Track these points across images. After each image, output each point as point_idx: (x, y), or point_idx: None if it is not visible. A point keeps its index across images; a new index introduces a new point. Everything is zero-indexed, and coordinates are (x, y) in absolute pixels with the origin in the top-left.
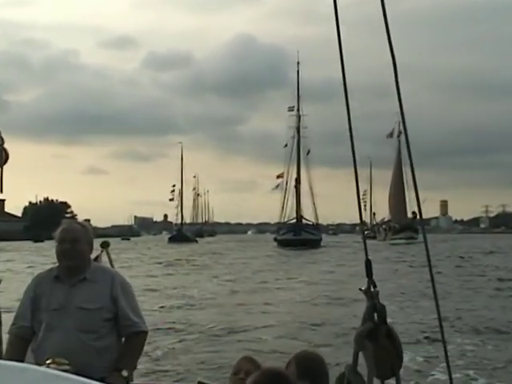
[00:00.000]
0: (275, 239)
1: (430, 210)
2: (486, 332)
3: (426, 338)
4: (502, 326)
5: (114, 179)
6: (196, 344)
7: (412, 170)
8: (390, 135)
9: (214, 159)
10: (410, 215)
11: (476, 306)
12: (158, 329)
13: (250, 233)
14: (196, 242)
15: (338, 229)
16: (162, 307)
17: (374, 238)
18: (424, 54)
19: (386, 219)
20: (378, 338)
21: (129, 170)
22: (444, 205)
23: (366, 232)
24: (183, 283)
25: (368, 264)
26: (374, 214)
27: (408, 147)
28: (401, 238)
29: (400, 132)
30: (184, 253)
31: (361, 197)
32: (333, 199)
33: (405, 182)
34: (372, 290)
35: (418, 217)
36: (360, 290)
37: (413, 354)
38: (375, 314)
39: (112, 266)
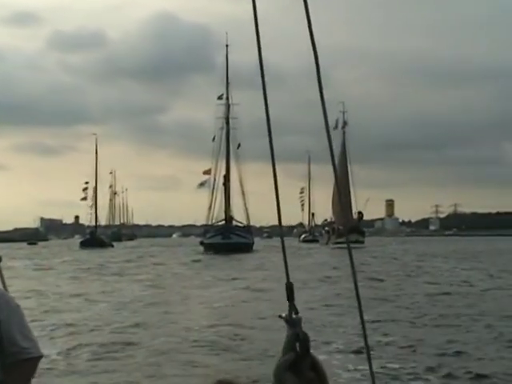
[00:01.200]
0: (201, 243)
1: (375, 211)
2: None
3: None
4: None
5: (16, 176)
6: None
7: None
8: (335, 126)
9: (133, 153)
10: (355, 216)
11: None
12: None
13: (174, 236)
14: (112, 246)
15: (272, 231)
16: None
17: (316, 241)
18: (376, 38)
19: (328, 220)
20: (302, 371)
21: (34, 165)
22: (390, 205)
23: (304, 235)
24: (83, 297)
25: (289, 287)
26: (313, 214)
27: (329, 141)
28: (345, 242)
29: (345, 123)
30: (95, 260)
31: (298, 195)
32: (266, 198)
33: (350, 178)
34: (294, 316)
35: (363, 217)
36: (280, 317)
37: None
38: (297, 344)
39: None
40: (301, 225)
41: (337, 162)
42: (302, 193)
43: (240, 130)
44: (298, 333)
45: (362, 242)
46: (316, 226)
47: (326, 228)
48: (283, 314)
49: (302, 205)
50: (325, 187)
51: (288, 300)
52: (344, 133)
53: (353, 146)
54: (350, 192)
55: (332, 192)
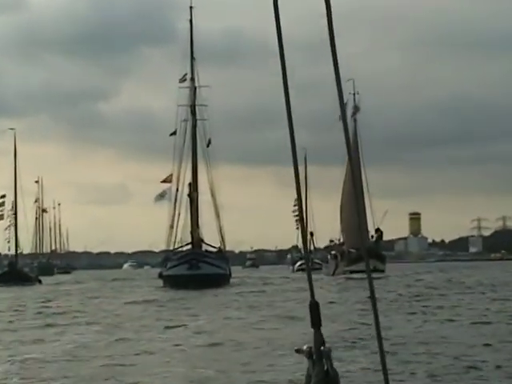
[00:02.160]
0: (160, 275)
1: (395, 228)
2: None
3: None
4: None
5: None
6: None
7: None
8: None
9: (66, 154)
10: (372, 234)
11: None
12: None
13: (126, 266)
14: (39, 282)
15: (258, 258)
16: None
17: (317, 269)
18: None
19: (335, 241)
20: None
21: None
22: (415, 219)
23: (300, 262)
24: None
25: (314, 308)
26: (312, 234)
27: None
28: (360, 271)
29: (356, 108)
30: (13, 301)
31: (291, 208)
32: (249, 213)
33: (365, 184)
34: (322, 348)
35: (382, 236)
36: (299, 351)
37: None
38: None
39: None
40: (295, 248)
41: (347, 162)
42: (295, 205)
43: (210, 121)
44: (328, 370)
45: (382, 271)
46: (316, 249)
47: (333, 252)
48: (304, 347)
49: (297, 223)
50: (325, 196)
51: (312, 326)
52: (355, 122)
53: (366, 140)
54: (364, 203)
55: (340, 203)
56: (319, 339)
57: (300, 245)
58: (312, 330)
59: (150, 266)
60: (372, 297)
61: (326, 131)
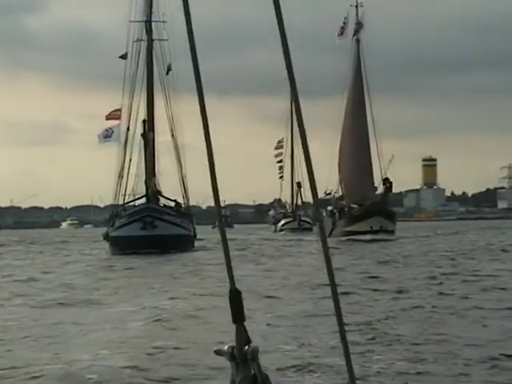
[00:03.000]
0: (106, 237)
1: (405, 177)
2: None
3: None
4: None
5: None
6: None
7: None
8: (341, 33)
9: None
10: (378, 187)
11: None
12: None
13: (65, 225)
14: None
15: (232, 216)
16: None
17: (306, 230)
18: None
19: (332, 194)
20: None
21: None
22: (430, 167)
23: (284, 221)
24: None
25: (235, 298)
26: (300, 184)
27: None
28: (363, 232)
29: (359, 25)
30: None
31: (273, 153)
32: (220, 159)
33: (370, 122)
34: (247, 347)
35: (392, 188)
36: (218, 353)
37: None
38: None
39: None
40: (279, 202)
41: (347, 93)
42: (279, 148)
43: (171, 42)
44: (256, 374)
45: (392, 232)
46: (304, 204)
47: (330, 207)
48: (225, 348)
49: (281, 170)
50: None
51: (234, 321)
52: (358, 43)
53: (371, 65)
54: (369, 146)
55: (339, 146)
56: (243, 337)
57: (285, 198)
58: (234, 325)
59: (91, 225)
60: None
61: (316, 51)
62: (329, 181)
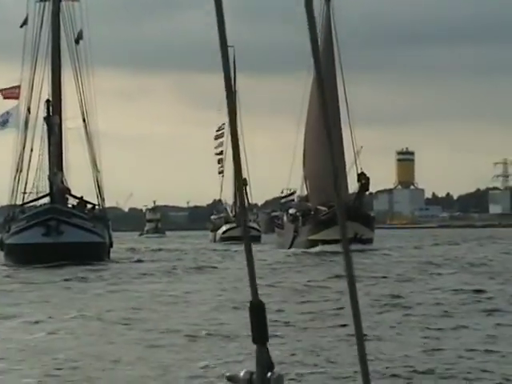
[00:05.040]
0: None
1: (375, 175)
2: None
3: None
4: None
5: None
6: None
7: None
8: None
9: None
10: (352, 186)
11: None
12: None
13: None
14: None
15: (163, 219)
16: None
17: (255, 238)
18: None
19: (293, 194)
20: None
21: None
22: (406, 162)
23: (226, 227)
24: None
25: (257, 312)
26: (246, 182)
27: None
28: (332, 241)
29: None
30: None
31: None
32: (144, 150)
33: (342, 104)
34: (269, 374)
35: (369, 186)
36: (230, 379)
37: None
38: None
39: None
40: (218, 203)
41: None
42: (219, 137)
43: (83, 4)
44: None
45: (370, 241)
46: (250, 206)
47: (292, 210)
48: (241, 373)
49: (221, 164)
50: (275, 124)
51: (254, 341)
52: (329, 2)
53: (342, 32)
54: (341, 135)
55: (304, 136)
56: (265, 360)
57: (225, 199)
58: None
59: None
60: (350, 281)
61: (275, 20)
62: (290, 178)
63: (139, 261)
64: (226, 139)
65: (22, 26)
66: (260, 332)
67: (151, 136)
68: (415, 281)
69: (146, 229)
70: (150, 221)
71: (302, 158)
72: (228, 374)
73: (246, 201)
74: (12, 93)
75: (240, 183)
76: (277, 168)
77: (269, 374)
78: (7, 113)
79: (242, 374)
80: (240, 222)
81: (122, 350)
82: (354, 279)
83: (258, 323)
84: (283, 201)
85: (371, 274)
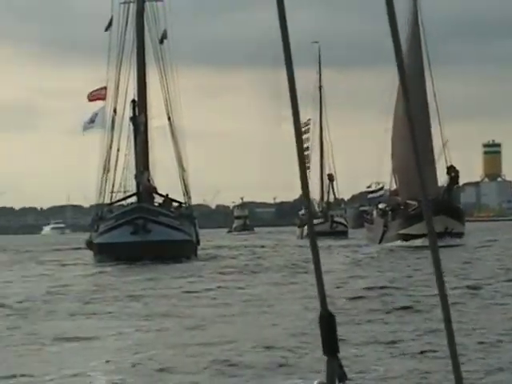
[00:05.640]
0: (89, 244)
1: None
2: None
3: None
4: None
5: None
6: None
7: None
8: None
9: None
10: (441, 179)
11: None
12: None
13: (48, 229)
14: None
15: (250, 215)
16: None
17: (340, 233)
18: None
19: (382, 189)
20: None
21: None
22: (493, 155)
23: (314, 222)
24: None
25: (327, 323)
26: (331, 177)
27: None
28: (422, 236)
29: None
30: None
31: (302, 137)
32: (230, 146)
33: (429, 96)
34: None
35: (459, 179)
36: None
37: None
38: None
39: None
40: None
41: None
42: (304, 133)
43: (167, 3)
44: None
45: (460, 236)
46: (337, 201)
47: (382, 205)
48: (314, 383)
49: (307, 160)
50: (361, 118)
51: (325, 352)
52: None
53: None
54: (430, 128)
55: (392, 130)
56: (335, 372)
57: (312, 195)
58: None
59: (69, 230)
60: (438, 276)
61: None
62: (379, 172)
63: (233, 258)
64: (312, 135)
65: (107, 29)
66: (330, 343)
67: (235, 132)
68: None
69: (234, 226)
70: (238, 217)
71: (389, 151)
72: None
73: (333, 195)
74: (98, 94)
75: (304, 181)
76: (363, 162)
77: None
78: (95, 114)
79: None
80: (327, 217)
81: None
82: (442, 274)
83: (328, 334)
84: (370, 196)
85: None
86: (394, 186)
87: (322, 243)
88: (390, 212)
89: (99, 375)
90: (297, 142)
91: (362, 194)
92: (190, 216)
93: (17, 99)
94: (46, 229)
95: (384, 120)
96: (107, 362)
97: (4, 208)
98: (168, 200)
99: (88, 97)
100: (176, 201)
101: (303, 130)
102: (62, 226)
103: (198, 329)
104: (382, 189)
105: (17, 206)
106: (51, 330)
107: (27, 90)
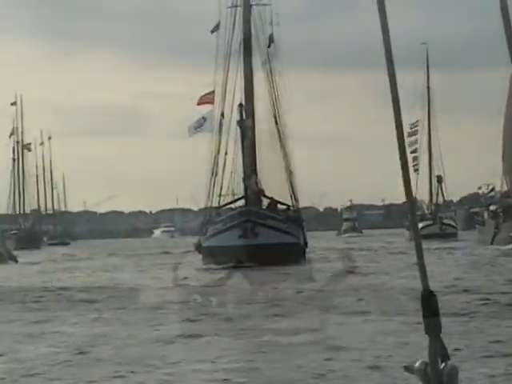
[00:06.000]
0: (198, 247)
1: None
2: None
3: None
4: None
5: None
6: None
7: None
8: None
9: (44, 56)
10: None
11: None
12: None
13: (158, 233)
14: (15, 262)
15: (358, 217)
16: None
17: (450, 235)
18: None
19: (493, 190)
20: None
21: None
22: None
23: (422, 224)
24: None
25: (429, 300)
26: (440, 179)
27: None
28: None
29: None
30: None
31: (409, 140)
32: (336, 149)
33: None
34: (443, 365)
35: None
36: (407, 369)
37: None
38: None
39: None
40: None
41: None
42: (412, 134)
43: (274, 7)
44: None
45: None
46: (446, 202)
47: (493, 207)
48: (416, 364)
49: (415, 161)
50: (461, 118)
51: (427, 332)
52: None
53: None
54: None
55: (503, 129)
56: (438, 351)
57: (421, 196)
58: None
59: (178, 233)
60: None
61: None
62: (490, 173)
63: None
64: (420, 136)
65: (213, 32)
66: (432, 323)
67: (342, 135)
68: None
69: (343, 228)
70: (346, 220)
71: (500, 153)
72: (405, 365)
73: (442, 197)
74: (207, 98)
75: (407, 182)
76: (472, 164)
77: (442, 365)
78: (203, 118)
79: (417, 364)
80: (436, 219)
81: None
82: None
83: (430, 314)
84: (482, 198)
85: None
86: (505, 188)
87: (430, 245)
88: (501, 214)
89: None
90: (398, 143)
91: (471, 195)
92: (298, 219)
93: (124, 104)
94: (157, 232)
95: (496, 122)
96: None
97: (114, 212)
98: (274, 203)
99: (198, 102)
100: (283, 203)
101: (412, 130)
102: (172, 229)
103: None
104: (493, 190)
105: (126, 210)
106: None
107: (129, 94)
